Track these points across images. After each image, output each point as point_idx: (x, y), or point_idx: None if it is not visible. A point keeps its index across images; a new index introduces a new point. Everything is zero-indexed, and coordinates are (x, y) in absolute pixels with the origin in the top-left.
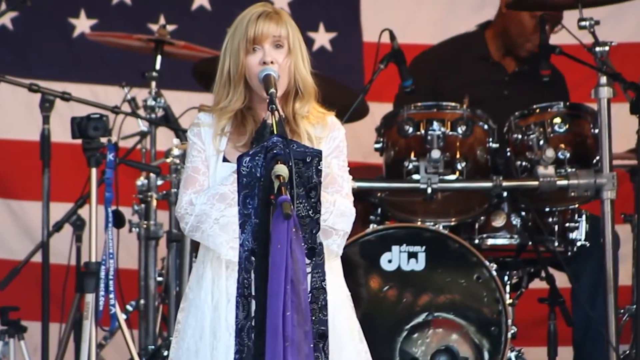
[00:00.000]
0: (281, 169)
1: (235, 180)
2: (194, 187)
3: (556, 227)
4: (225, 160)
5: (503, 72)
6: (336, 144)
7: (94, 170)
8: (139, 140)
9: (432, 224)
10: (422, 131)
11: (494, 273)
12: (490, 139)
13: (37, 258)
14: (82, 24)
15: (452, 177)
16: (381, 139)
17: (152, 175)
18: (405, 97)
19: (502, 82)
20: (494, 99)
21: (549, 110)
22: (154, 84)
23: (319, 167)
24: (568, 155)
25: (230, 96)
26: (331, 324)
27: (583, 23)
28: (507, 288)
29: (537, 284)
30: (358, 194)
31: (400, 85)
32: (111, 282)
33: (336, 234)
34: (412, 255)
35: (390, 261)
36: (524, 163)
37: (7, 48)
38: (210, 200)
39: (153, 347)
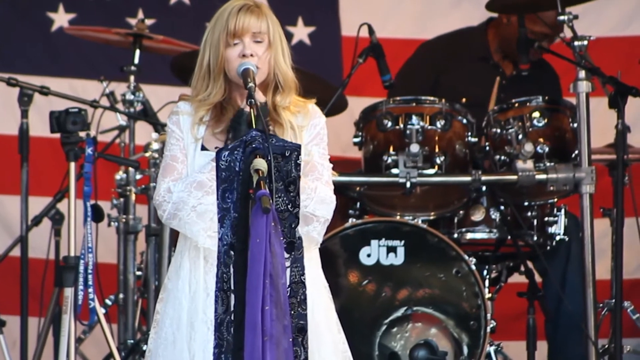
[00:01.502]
0: (260, 163)
1: (213, 167)
2: (172, 175)
3: (535, 222)
4: (203, 148)
5: (502, 74)
6: (317, 132)
7: (72, 165)
8: (118, 135)
9: (411, 218)
10: (401, 125)
11: (473, 267)
12: (469, 133)
13: (16, 252)
14: (61, 18)
15: (431, 171)
16: (360, 133)
17: (130, 169)
18: (399, 90)
19: (500, 84)
20: (490, 101)
21: (528, 104)
22: (132, 78)
23: (297, 161)
24: (547, 149)
25: (210, 89)
26: (309, 315)
27: (562, 17)
28: (486, 282)
29: (516, 278)
30: (337, 188)
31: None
32: (90, 276)
33: (317, 220)
34: (391, 249)
35: (369, 255)
36: (502, 157)
37: None
38: (187, 188)
39: (132, 341)
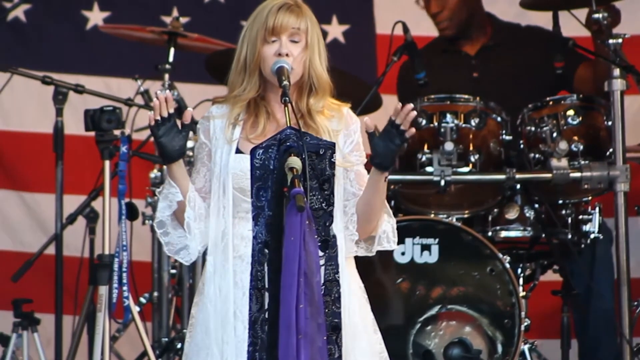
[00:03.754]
0: (294, 162)
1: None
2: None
3: (569, 220)
4: (238, 151)
5: (465, 57)
6: (355, 140)
7: (107, 163)
8: None
9: (445, 216)
10: (435, 123)
11: (507, 265)
12: (504, 131)
13: (51, 250)
14: (95, 17)
15: (465, 169)
16: None
17: (165, 167)
18: (409, 87)
19: (469, 66)
20: (463, 86)
21: (562, 102)
22: (167, 76)
23: (332, 160)
24: (581, 147)
25: (245, 84)
26: (345, 316)
27: (596, 15)
28: (521, 280)
29: (551, 276)
30: None
31: (399, 74)
32: (124, 275)
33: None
34: (426, 247)
35: (403, 254)
36: (537, 155)
37: (21, 40)
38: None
39: (166, 339)
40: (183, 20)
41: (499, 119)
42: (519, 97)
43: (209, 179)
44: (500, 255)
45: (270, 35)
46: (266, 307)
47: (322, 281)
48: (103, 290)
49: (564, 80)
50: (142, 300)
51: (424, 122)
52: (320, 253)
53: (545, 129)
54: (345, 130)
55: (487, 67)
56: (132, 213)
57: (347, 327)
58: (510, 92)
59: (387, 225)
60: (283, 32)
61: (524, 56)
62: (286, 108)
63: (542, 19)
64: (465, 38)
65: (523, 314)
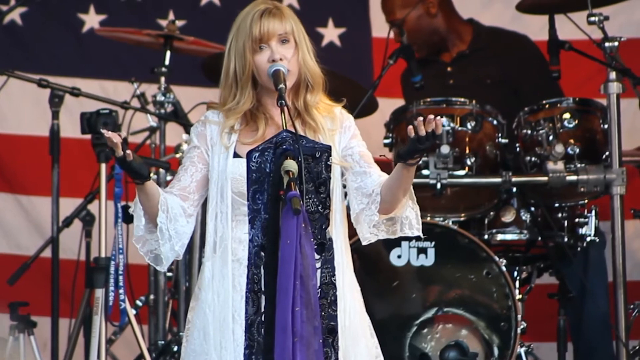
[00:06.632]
0: (290, 165)
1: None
2: (172, 187)
3: (565, 223)
4: (236, 155)
5: (442, 64)
6: (352, 132)
7: (103, 166)
8: (149, 136)
9: (441, 219)
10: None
11: (504, 268)
12: (500, 135)
13: (47, 253)
14: (92, 20)
15: (462, 172)
16: (390, 135)
17: (161, 170)
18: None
19: (445, 73)
20: (439, 93)
21: (559, 105)
22: (163, 79)
23: (328, 163)
24: (577, 150)
25: (238, 97)
26: (346, 319)
27: (592, 18)
28: (517, 283)
29: (547, 279)
30: None
31: (402, 79)
32: (121, 278)
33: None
34: (422, 250)
35: (399, 256)
36: (533, 158)
37: (17, 43)
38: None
39: (163, 342)
40: (179, 23)
41: (495, 122)
42: (495, 104)
43: (196, 179)
44: (497, 258)
45: (258, 44)
46: (262, 310)
47: (318, 284)
48: (99, 293)
49: (552, 87)
50: (139, 303)
51: None
52: (317, 256)
53: (541, 132)
54: (339, 129)
55: (462, 74)
56: (128, 216)
57: (347, 330)
58: (485, 99)
59: (410, 211)
60: (271, 38)
61: (503, 63)
62: (282, 112)
63: (538, 23)
64: (443, 50)
65: (519, 316)
